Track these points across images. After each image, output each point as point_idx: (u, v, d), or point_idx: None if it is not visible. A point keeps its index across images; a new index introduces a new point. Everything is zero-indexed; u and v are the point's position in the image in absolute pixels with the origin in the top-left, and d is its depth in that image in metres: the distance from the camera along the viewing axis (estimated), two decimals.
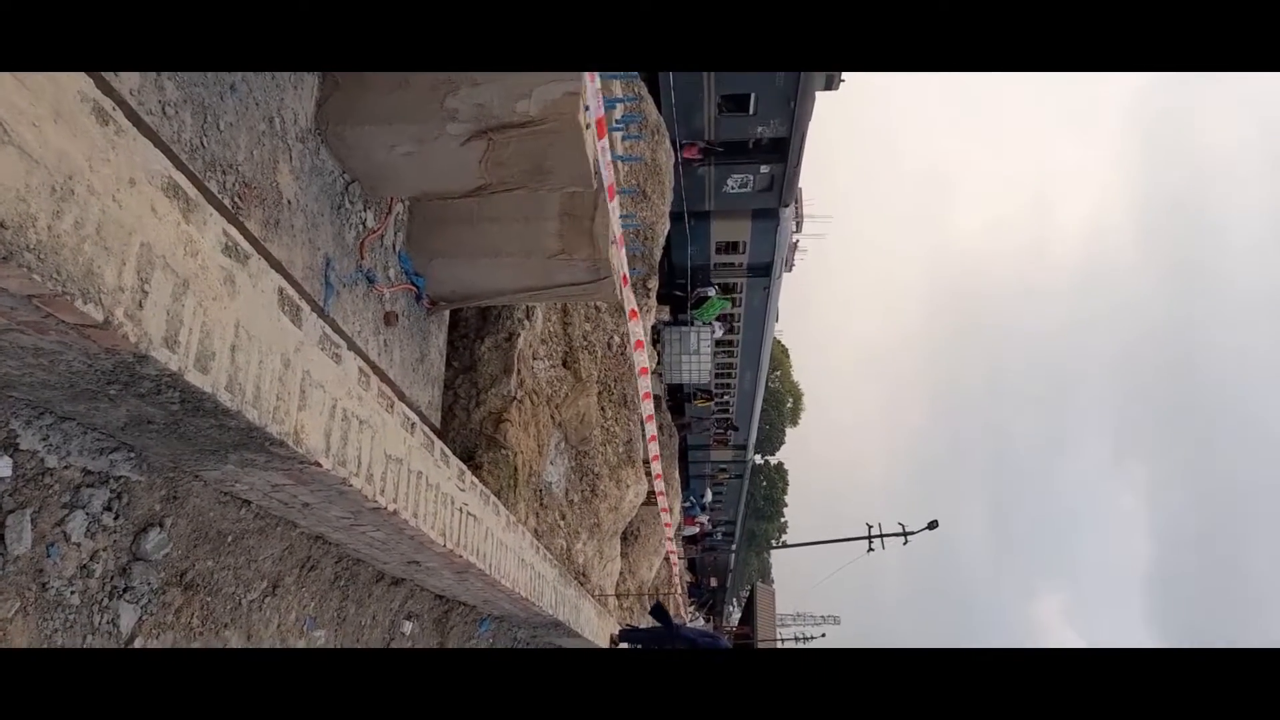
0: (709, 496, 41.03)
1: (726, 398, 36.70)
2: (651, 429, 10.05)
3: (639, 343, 9.58)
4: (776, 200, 23.75)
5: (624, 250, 6.70)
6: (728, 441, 40.78)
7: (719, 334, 27.20)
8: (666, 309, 24.88)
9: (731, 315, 28.71)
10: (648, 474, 12.03)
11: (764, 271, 27.57)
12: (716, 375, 32.08)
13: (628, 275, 6.89)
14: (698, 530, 40.53)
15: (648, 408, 9.51)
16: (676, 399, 31.49)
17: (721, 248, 26.06)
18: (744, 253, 26.14)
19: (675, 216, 19.41)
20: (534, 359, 9.02)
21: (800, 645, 45.19)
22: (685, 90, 20.02)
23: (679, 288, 24.83)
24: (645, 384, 9.44)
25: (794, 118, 20.90)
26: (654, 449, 10.69)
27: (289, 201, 4.65)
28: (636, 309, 8.61)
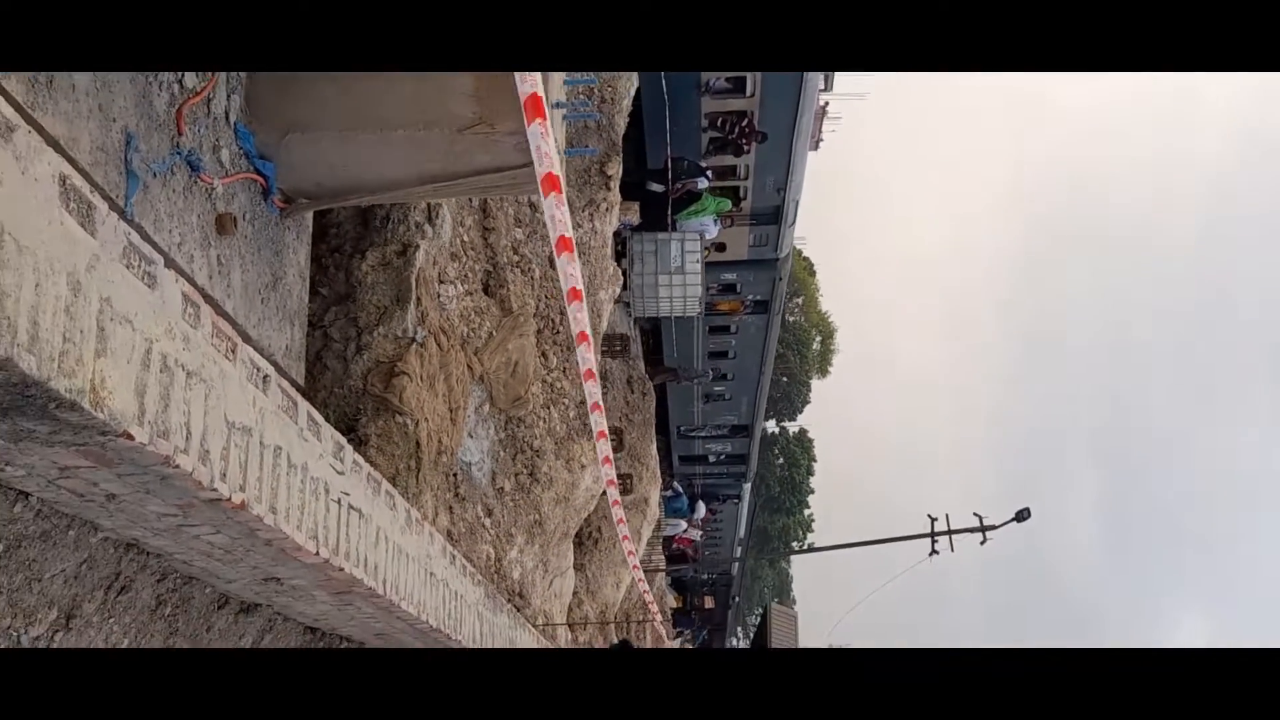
0: (701, 510, 41.73)
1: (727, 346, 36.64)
2: (594, 391, 10.08)
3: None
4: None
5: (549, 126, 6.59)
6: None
7: (715, 232, 26.93)
8: (635, 208, 24.47)
9: (732, 217, 28.62)
10: (619, 444, 12.07)
11: (768, 219, 29.73)
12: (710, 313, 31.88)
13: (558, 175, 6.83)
14: (691, 550, 40.96)
15: (585, 358, 9.55)
16: (654, 339, 31.45)
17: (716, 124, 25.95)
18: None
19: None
20: (441, 282, 9.04)
21: None
22: None
23: (653, 176, 24.51)
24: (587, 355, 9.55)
25: None
26: (602, 433, 10.75)
27: None
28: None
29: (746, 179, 28.75)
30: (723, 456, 47.14)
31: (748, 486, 52.85)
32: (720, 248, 30.68)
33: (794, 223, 31.68)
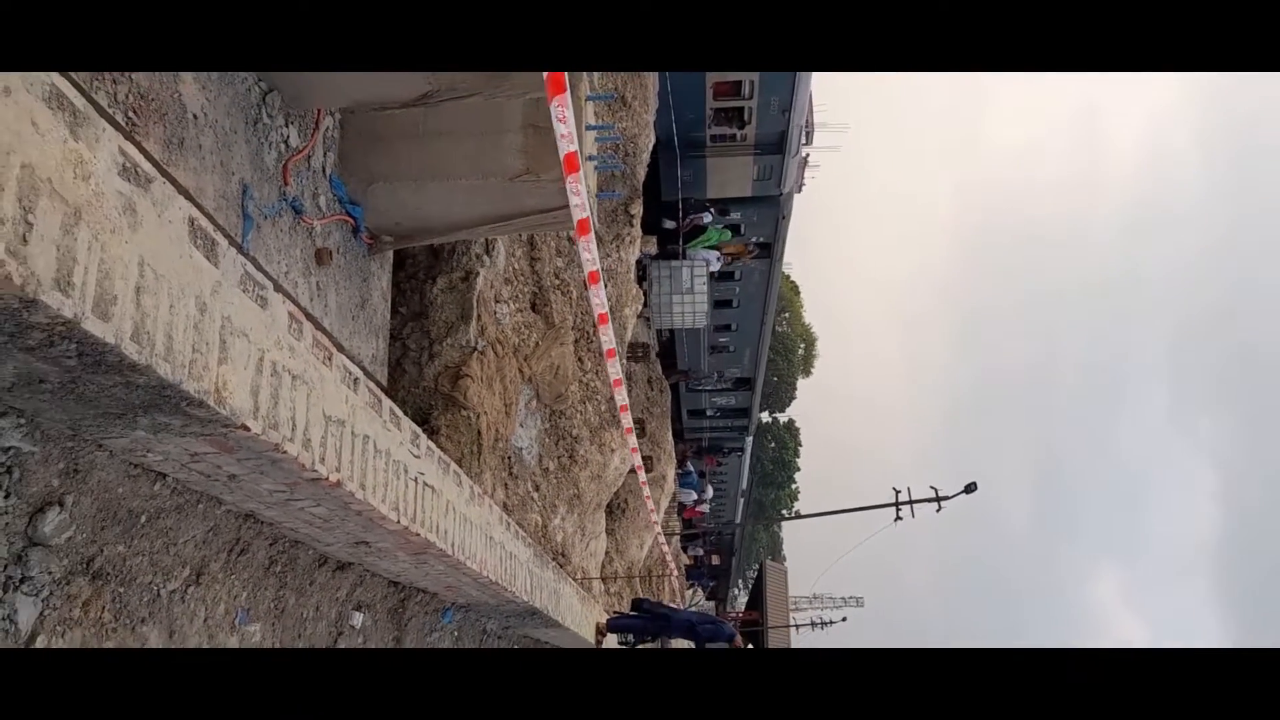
0: (710, 492, 40.83)
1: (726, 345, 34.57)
2: (621, 397, 10.06)
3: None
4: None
5: (585, 178, 6.57)
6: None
7: (717, 266, 27.09)
8: (654, 240, 24.70)
9: (745, 242, 28.37)
10: (641, 433, 12.07)
11: (772, 148, 24.27)
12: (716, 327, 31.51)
13: (589, 219, 6.73)
14: (698, 531, 40.38)
15: (614, 369, 9.47)
16: (669, 347, 31.48)
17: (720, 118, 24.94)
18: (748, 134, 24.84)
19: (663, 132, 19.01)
20: (497, 302, 9.02)
21: (817, 629, 46.09)
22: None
23: (668, 213, 24.64)
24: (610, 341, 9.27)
25: None
26: (626, 419, 10.69)
27: (194, 116, 4.61)
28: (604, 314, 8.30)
29: (751, 98, 23.29)
30: (720, 412, 40.82)
31: (750, 439, 47.15)
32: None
33: (797, 153, 25.68)
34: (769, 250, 29.54)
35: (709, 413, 40.73)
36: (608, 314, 8.64)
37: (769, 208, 27.47)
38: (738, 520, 52.82)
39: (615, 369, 9.74)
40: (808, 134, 28.20)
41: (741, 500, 52.17)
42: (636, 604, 11.43)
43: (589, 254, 7.16)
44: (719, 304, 30.65)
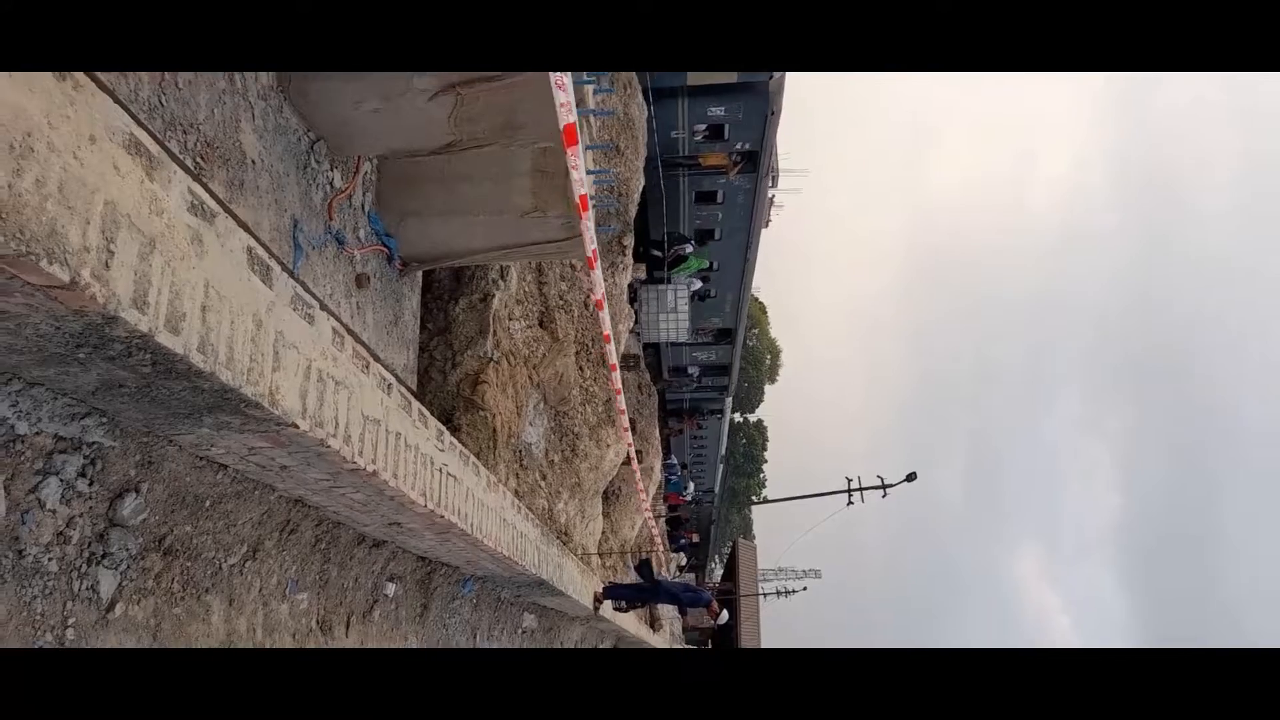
0: (692, 488, 39.98)
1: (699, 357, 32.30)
2: (618, 380, 10.03)
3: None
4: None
5: (587, 201, 6.61)
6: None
7: (697, 285, 27.09)
8: (643, 268, 24.81)
9: (710, 267, 28.24)
10: (633, 430, 12.03)
11: (750, 162, 20.63)
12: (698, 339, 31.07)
13: (592, 242, 6.78)
14: (680, 514, 39.70)
15: (617, 380, 9.44)
16: (655, 357, 31.44)
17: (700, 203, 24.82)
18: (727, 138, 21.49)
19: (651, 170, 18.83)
20: (510, 320, 9.00)
21: (782, 597, 46.00)
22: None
23: (654, 245, 24.74)
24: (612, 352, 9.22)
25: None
26: (620, 402, 10.62)
27: (253, 161, 4.60)
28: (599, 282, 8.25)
29: None
30: (698, 372, 34.01)
31: (730, 400, 40.55)
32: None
33: None
34: (755, 162, 21.85)
35: (690, 370, 34.44)
36: (611, 335, 8.57)
37: (756, 100, 20.14)
38: (717, 486, 50.05)
39: (618, 380, 9.69)
40: (773, 178, 28.10)
41: (721, 466, 46.24)
42: (643, 563, 11.33)
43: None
44: (701, 233, 24.96)
